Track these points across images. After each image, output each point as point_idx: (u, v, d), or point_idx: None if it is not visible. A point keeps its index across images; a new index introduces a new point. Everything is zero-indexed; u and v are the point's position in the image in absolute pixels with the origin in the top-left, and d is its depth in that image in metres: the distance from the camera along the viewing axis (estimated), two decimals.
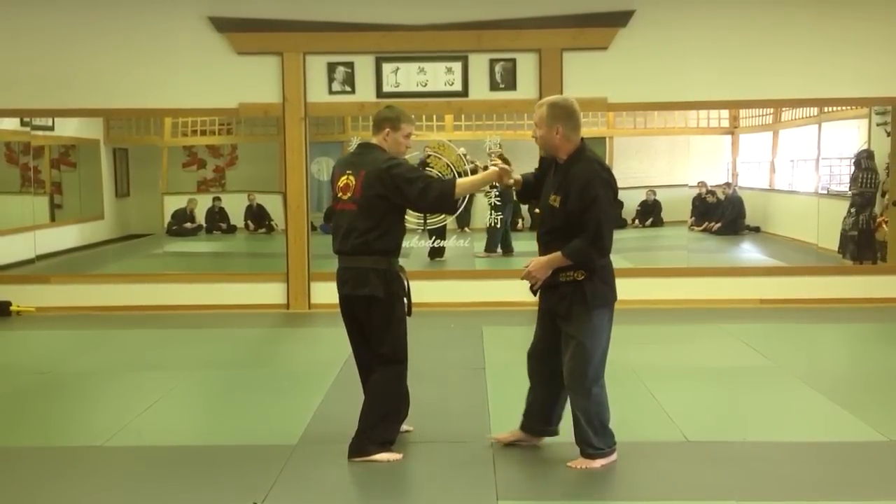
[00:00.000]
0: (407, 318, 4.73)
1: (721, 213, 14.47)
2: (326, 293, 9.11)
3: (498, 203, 10.42)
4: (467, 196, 10.06)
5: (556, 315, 4.45)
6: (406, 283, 4.67)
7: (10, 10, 9.09)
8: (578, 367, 4.38)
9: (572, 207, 4.29)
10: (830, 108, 10.58)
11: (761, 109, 12.29)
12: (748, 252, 13.63)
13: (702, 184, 14.92)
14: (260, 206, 15.55)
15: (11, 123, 11.94)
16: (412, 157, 10.03)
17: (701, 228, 14.38)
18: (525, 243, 10.69)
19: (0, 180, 12.82)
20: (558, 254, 4.31)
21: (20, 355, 7.61)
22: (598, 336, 4.41)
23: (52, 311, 9.13)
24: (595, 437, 4.44)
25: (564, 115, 4.41)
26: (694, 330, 8.07)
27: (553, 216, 4.40)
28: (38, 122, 12.09)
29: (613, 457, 4.49)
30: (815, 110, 10.87)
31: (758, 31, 9.12)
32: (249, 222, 16.05)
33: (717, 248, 13.45)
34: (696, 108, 11.05)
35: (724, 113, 13.32)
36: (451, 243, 10.26)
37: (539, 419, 4.70)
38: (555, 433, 4.71)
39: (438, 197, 4.49)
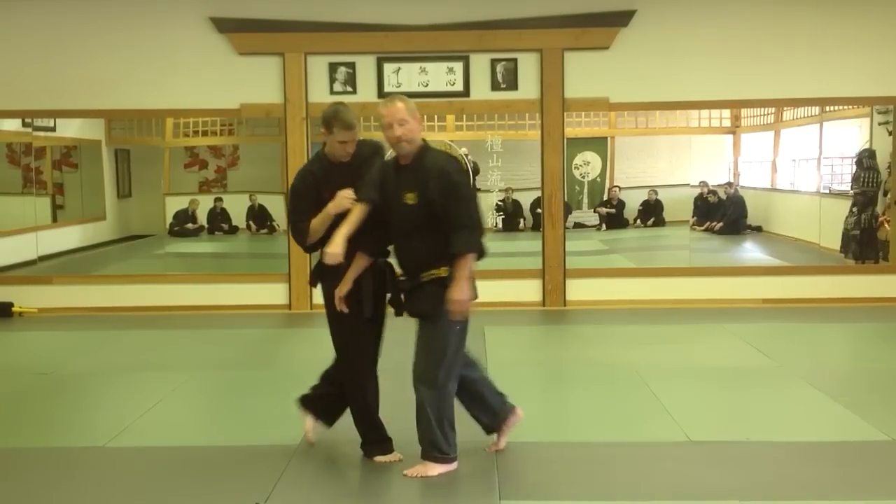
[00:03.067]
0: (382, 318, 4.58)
1: (723, 213, 14.44)
2: None
3: (500, 204, 10.42)
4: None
5: (418, 315, 4.33)
6: (372, 284, 4.44)
7: (11, 10, 9.09)
8: (434, 363, 4.28)
9: (434, 196, 4.15)
10: (832, 108, 10.56)
11: (763, 109, 12.26)
12: (750, 252, 13.60)
13: (703, 183, 14.89)
14: (262, 207, 15.56)
15: (13, 124, 11.93)
16: None
17: (703, 228, 14.35)
18: (528, 243, 10.67)
19: (2, 181, 12.83)
20: (458, 264, 4.15)
21: (22, 356, 7.61)
22: (457, 332, 4.31)
23: (55, 311, 9.13)
24: (444, 440, 4.35)
25: (415, 108, 4.33)
26: (696, 330, 8.06)
27: (410, 214, 4.23)
28: (39, 122, 12.10)
29: (453, 465, 4.39)
30: (816, 109, 10.84)
31: (759, 30, 9.12)
32: (251, 223, 16.08)
33: (718, 247, 13.42)
34: (698, 108, 11.02)
35: (726, 112, 13.29)
36: None
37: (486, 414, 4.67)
38: (511, 410, 4.68)
39: (294, 236, 4.51)
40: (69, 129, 12.58)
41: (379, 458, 4.55)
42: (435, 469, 4.34)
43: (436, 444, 4.34)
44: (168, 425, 5.35)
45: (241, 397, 6.01)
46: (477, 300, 4.34)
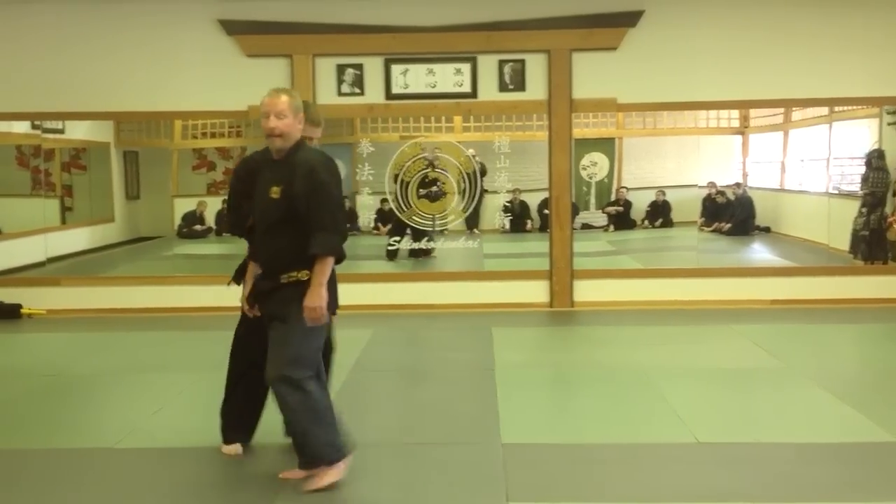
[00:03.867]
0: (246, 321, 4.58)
1: (731, 214, 14.43)
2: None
3: (508, 205, 10.42)
4: (476, 198, 10.04)
5: (273, 318, 4.20)
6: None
7: (20, 12, 9.12)
8: (287, 365, 4.13)
9: (297, 191, 4.04)
10: (841, 108, 10.54)
11: (771, 109, 12.24)
12: (759, 252, 13.58)
13: (712, 184, 14.88)
14: None
15: (22, 127, 11.97)
16: (419, 158, 10.04)
17: (711, 229, 14.34)
18: (535, 244, 10.66)
19: (11, 183, 12.87)
20: (317, 267, 4.05)
21: (31, 357, 7.63)
22: (314, 334, 4.18)
23: (63, 313, 9.16)
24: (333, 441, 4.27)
25: (299, 107, 4.22)
26: (704, 331, 8.04)
27: (273, 209, 4.13)
28: (48, 125, 12.14)
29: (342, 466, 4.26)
30: (825, 110, 10.82)
31: (768, 30, 9.10)
32: None
33: (727, 248, 13.41)
34: (707, 108, 11.03)
35: (735, 113, 13.29)
36: (459, 244, 10.24)
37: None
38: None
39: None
40: (78, 132, 12.61)
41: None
42: (330, 476, 4.20)
43: (329, 447, 4.22)
44: (176, 426, 5.35)
45: None
46: (338, 307, 4.30)
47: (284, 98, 4.15)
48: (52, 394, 6.18)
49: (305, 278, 4.10)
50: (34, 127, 12.13)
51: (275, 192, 4.11)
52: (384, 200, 10.96)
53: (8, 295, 9.20)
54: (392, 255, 10.59)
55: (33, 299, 9.21)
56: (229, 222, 4.55)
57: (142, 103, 9.24)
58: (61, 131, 12.62)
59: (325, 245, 4.06)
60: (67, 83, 9.10)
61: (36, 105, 9.32)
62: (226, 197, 4.95)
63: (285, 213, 4.08)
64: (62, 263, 10.95)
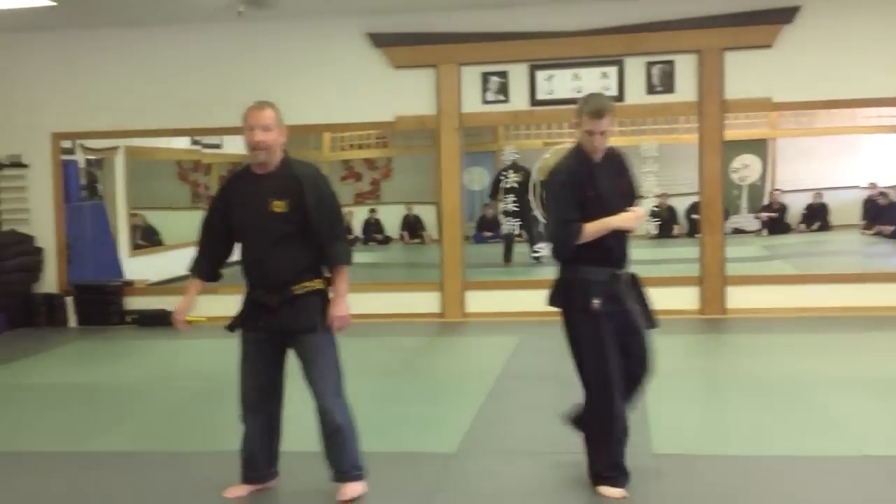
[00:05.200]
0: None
1: (894, 216, 13.71)
2: (481, 302, 9.18)
3: (655, 210, 10.22)
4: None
5: (294, 331, 4.12)
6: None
7: (181, 32, 9.55)
8: (336, 380, 4.16)
9: (307, 205, 4.00)
10: None
11: None
12: None
13: (873, 185, 14.19)
14: (416, 217, 15.82)
15: (182, 143, 12.58)
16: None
17: (872, 232, 13.68)
18: (683, 249, 10.42)
19: (173, 197, 13.55)
20: (340, 278, 4.12)
21: (190, 363, 7.96)
22: (336, 345, 4.21)
23: (222, 320, 9.46)
24: (360, 454, 4.21)
25: (282, 120, 4.11)
26: (866, 338, 7.65)
27: (280, 223, 4.04)
28: (207, 140, 12.71)
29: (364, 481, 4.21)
30: None
31: None
32: (405, 233, 16.36)
33: (890, 252, 12.74)
34: (867, 106, 10.51)
35: None
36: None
37: (265, 463, 4.35)
38: (277, 473, 4.39)
39: (559, 236, 4.21)
40: (234, 146, 13.13)
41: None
42: (357, 489, 4.18)
43: (355, 462, 4.20)
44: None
45: (397, 405, 6.08)
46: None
47: (269, 111, 4.08)
48: (209, 398, 6.43)
49: (321, 286, 4.15)
50: (194, 143, 12.74)
51: (278, 206, 4.04)
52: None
53: (170, 303, 9.61)
54: (537, 260, 10.58)
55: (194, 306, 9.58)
56: (569, 240, 4.06)
57: (293, 116, 9.39)
58: (219, 146, 13.20)
59: (345, 255, 4.16)
60: (223, 99, 9.44)
61: (194, 121, 9.72)
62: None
63: (294, 226, 4.05)
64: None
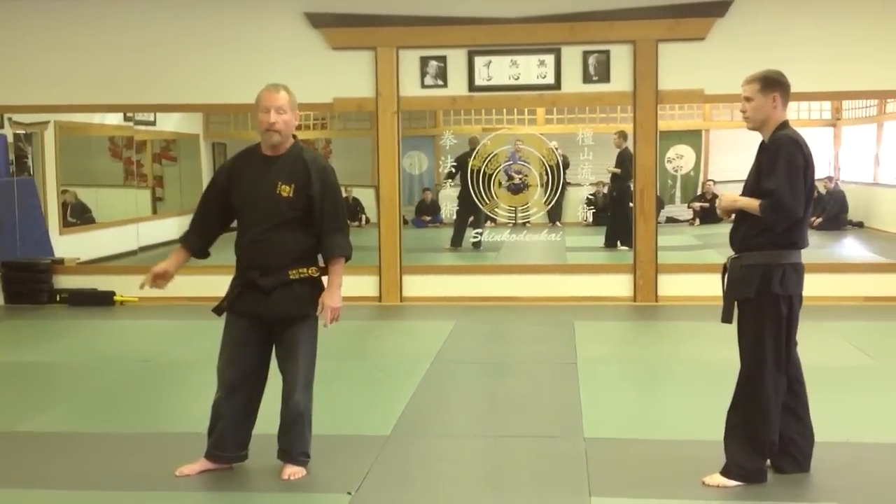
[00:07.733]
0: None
1: (822, 208, 14.07)
2: (419, 286, 9.20)
3: (591, 198, 10.33)
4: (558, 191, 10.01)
5: (285, 318, 4.13)
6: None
7: (111, 6, 9.35)
8: (310, 369, 4.22)
9: (313, 191, 4.04)
10: None
11: (865, 101, 11.89)
12: (851, 248, 13.22)
13: None
14: (354, 200, 15.75)
15: (115, 119, 12.34)
16: (503, 150, 10.03)
17: None
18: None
19: (104, 174, 13.28)
20: (335, 269, 4.12)
21: (125, 344, 7.87)
22: (317, 337, 4.26)
23: (155, 301, 9.36)
24: (310, 443, 4.28)
25: (296, 103, 4.20)
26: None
27: (283, 207, 4.05)
28: (140, 117, 12.48)
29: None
30: None
31: (862, 19, 8.81)
32: None
33: (818, 244, 13.02)
34: (798, 100, 10.74)
35: (826, 104, 12.94)
36: (542, 237, 10.21)
37: (236, 445, 4.32)
38: (246, 457, 4.37)
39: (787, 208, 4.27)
40: (168, 124, 12.93)
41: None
42: (299, 472, 4.22)
43: (305, 449, 4.26)
44: (265, 414, 5.43)
45: (332, 387, 6.07)
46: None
47: (284, 94, 4.12)
48: (144, 379, 6.36)
49: (317, 274, 4.16)
50: (126, 119, 12.49)
51: (286, 189, 4.05)
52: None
53: (102, 282, 9.49)
54: (476, 245, 10.62)
55: (126, 287, 9.45)
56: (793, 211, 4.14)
57: (230, 96, 9.40)
58: (153, 123, 12.97)
59: (344, 247, 4.15)
60: (159, 76, 9.30)
61: (129, 97, 9.54)
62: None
63: (298, 210, 4.07)
64: (153, 252, 11.26)
